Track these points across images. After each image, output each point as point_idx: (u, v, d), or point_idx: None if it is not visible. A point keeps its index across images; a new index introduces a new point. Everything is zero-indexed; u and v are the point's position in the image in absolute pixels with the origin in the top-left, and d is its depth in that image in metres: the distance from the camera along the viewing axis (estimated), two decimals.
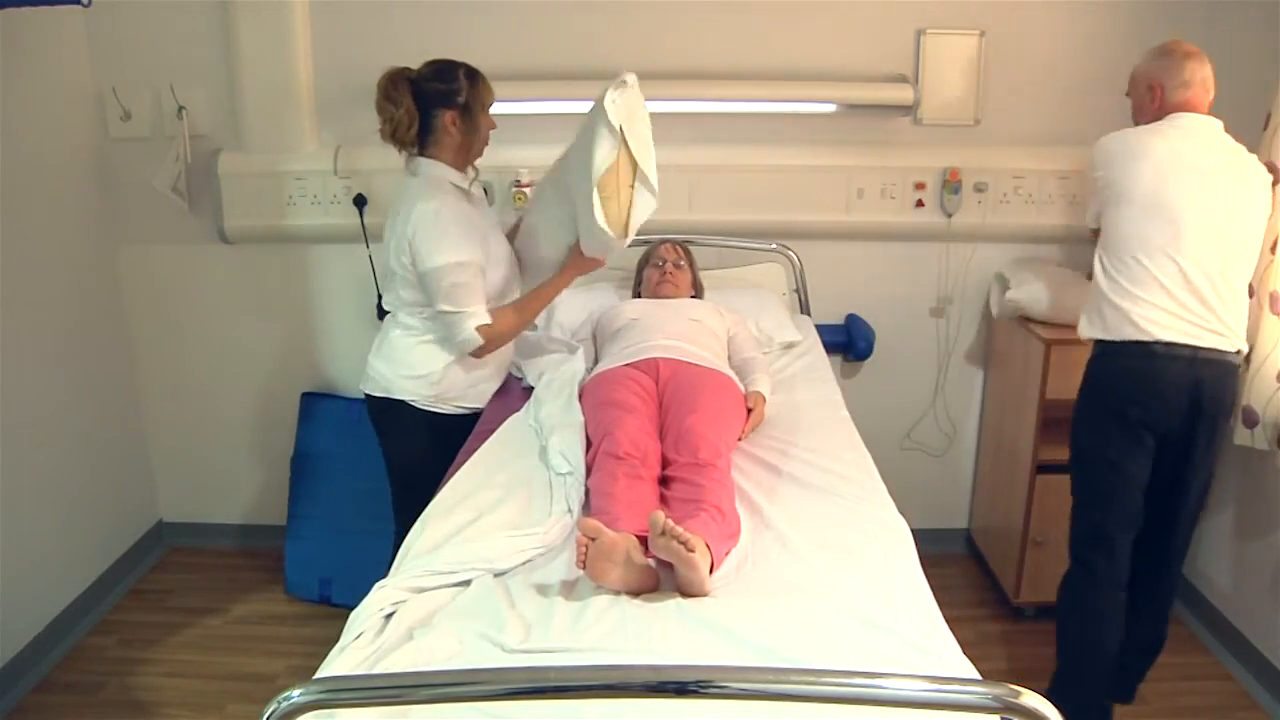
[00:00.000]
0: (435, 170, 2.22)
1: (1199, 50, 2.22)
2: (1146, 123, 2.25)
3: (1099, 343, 2.24)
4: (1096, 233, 2.30)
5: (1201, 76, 2.21)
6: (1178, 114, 2.20)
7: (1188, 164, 2.15)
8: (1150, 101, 2.25)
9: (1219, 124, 2.20)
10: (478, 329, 2.18)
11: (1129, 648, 2.39)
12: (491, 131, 2.28)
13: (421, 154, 2.24)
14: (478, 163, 2.32)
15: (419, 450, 2.33)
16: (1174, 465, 2.24)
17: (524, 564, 1.65)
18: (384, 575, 1.60)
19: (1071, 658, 2.31)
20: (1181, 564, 2.38)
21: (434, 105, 2.18)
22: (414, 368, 2.29)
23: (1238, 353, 2.20)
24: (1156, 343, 2.13)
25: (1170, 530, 2.30)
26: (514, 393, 2.39)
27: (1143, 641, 2.39)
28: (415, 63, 2.83)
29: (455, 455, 2.13)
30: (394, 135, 2.19)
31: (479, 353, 2.23)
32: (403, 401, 2.31)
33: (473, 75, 2.22)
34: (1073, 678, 2.29)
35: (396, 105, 2.16)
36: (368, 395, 2.37)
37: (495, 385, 2.42)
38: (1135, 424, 2.19)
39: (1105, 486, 2.25)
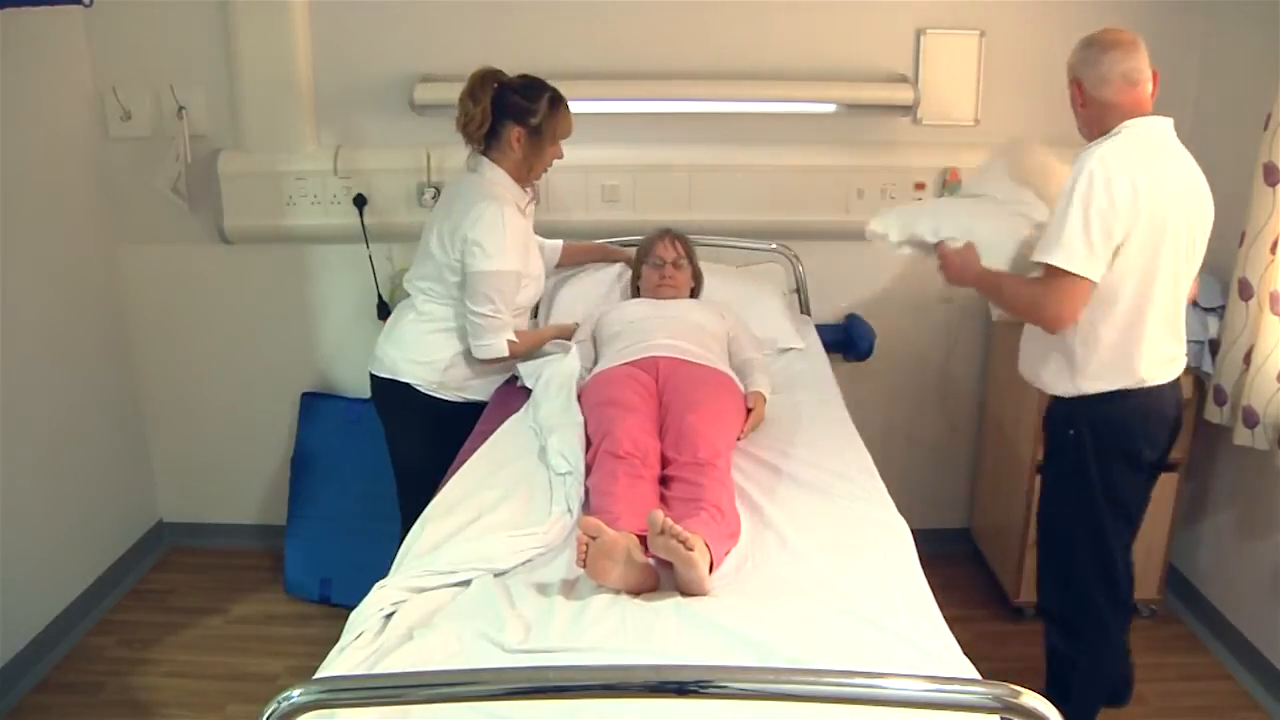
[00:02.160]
0: (496, 175, 2.30)
1: (1132, 37, 1.98)
2: (1089, 125, 2.02)
3: (1085, 397, 2.05)
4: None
5: (1122, 70, 1.95)
6: (1135, 120, 1.95)
7: (1178, 179, 1.97)
8: (1075, 97, 2.03)
9: (1169, 123, 1.99)
10: (510, 341, 2.30)
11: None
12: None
13: (486, 154, 2.32)
14: None
15: (419, 436, 2.40)
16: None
17: (524, 564, 1.64)
18: (385, 574, 1.60)
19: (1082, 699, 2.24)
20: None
21: (507, 116, 2.26)
22: (422, 353, 2.36)
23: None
24: (1156, 385, 2.04)
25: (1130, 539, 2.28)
26: (514, 392, 2.39)
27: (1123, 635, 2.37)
28: (414, 63, 2.86)
29: (456, 445, 2.15)
30: (464, 129, 2.28)
31: (493, 362, 2.33)
32: (407, 385, 2.37)
33: (556, 103, 2.29)
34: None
35: (475, 103, 2.23)
36: (373, 376, 2.43)
37: (500, 379, 2.47)
38: (1144, 464, 2.11)
39: (1115, 541, 2.14)
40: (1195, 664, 2.73)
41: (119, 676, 2.66)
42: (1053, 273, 1.91)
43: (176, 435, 3.26)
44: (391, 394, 2.41)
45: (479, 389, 2.43)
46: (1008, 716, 1.05)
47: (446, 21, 2.84)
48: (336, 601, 2.97)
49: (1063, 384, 2.08)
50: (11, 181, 2.56)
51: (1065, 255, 1.88)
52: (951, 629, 1.46)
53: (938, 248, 2.21)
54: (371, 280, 3.00)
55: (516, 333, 2.35)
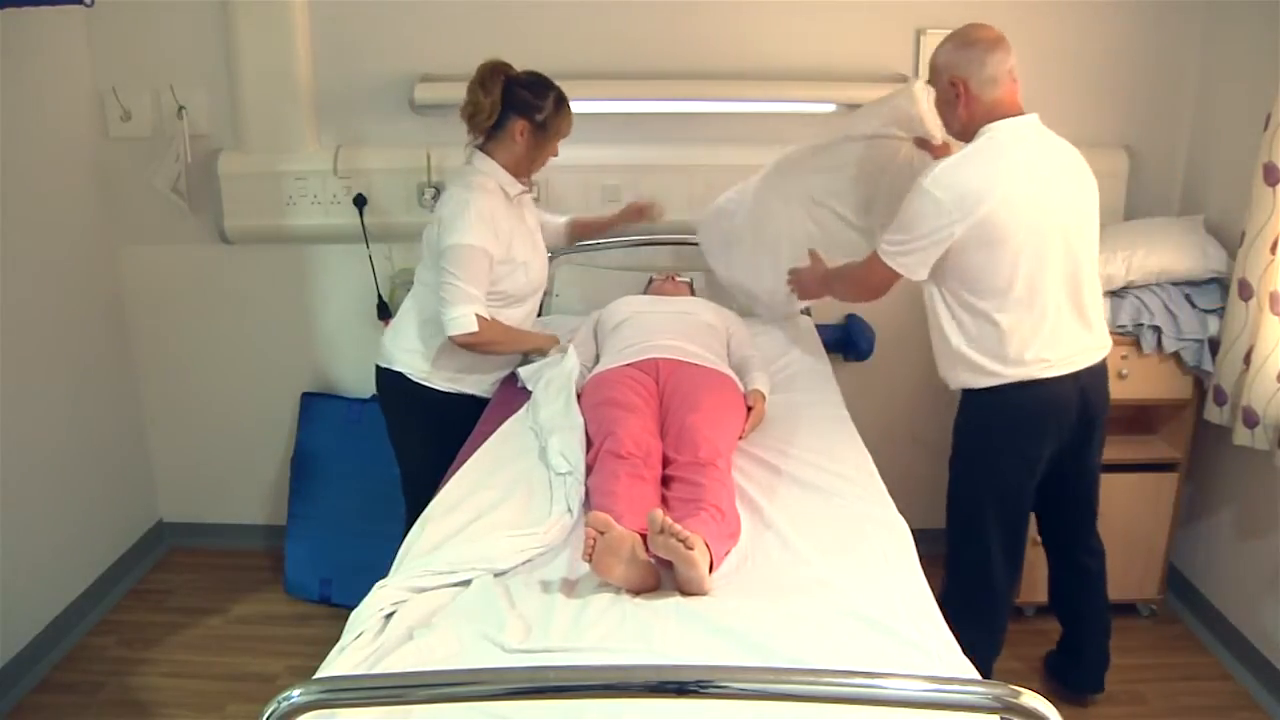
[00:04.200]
0: (486, 166, 2.32)
1: (1001, 36, 2.07)
2: (957, 127, 2.10)
3: (973, 391, 2.17)
4: (886, 288, 2.19)
5: (1008, 68, 2.04)
6: (998, 123, 2.02)
7: (1037, 177, 2.02)
8: (955, 98, 2.06)
9: (1036, 117, 2.06)
10: (478, 315, 2.24)
11: (1084, 635, 2.45)
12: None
13: (483, 147, 2.33)
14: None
15: (416, 426, 2.45)
16: (1066, 479, 2.28)
17: (524, 564, 1.64)
18: (385, 574, 1.60)
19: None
20: (1095, 528, 2.40)
21: (514, 109, 2.28)
22: (412, 341, 2.40)
23: (1105, 357, 2.19)
24: (1046, 379, 2.09)
25: (1084, 530, 2.36)
26: (516, 392, 2.38)
27: (1098, 624, 2.44)
28: (414, 62, 2.85)
29: (454, 438, 2.18)
30: (471, 118, 2.29)
31: (462, 339, 2.26)
32: (400, 374, 2.40)
33: (561, 102, 2.32)
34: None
35: (486, 94, 2.26)
36: (376, 367, 2.47)
37: (493, 376, 2.47)
38: (1032, 461, 2.18)
39: (995, 540, 2.24)
40: (1195, 664, 2.73)
41: (119, 676, 2.66)
42: (874, 255, 2.14)
43: (176, 435, 3.26)
44: (388, 383, 2.44)
45: (474, 382, 2.44)
46: (1008, 716, 1.05)
47: (446, 21, 2.84)
48: (336, 601, 2.97)
49: (955, 376, 2.22)
50: (11, 181, 2.56)
51: (885, 248, 2.10)
52: (951, 629, 1.46)
53: (787, 280, 2.47)
54: (371, 280, 3.00)
55: (495, 322, 2.30)
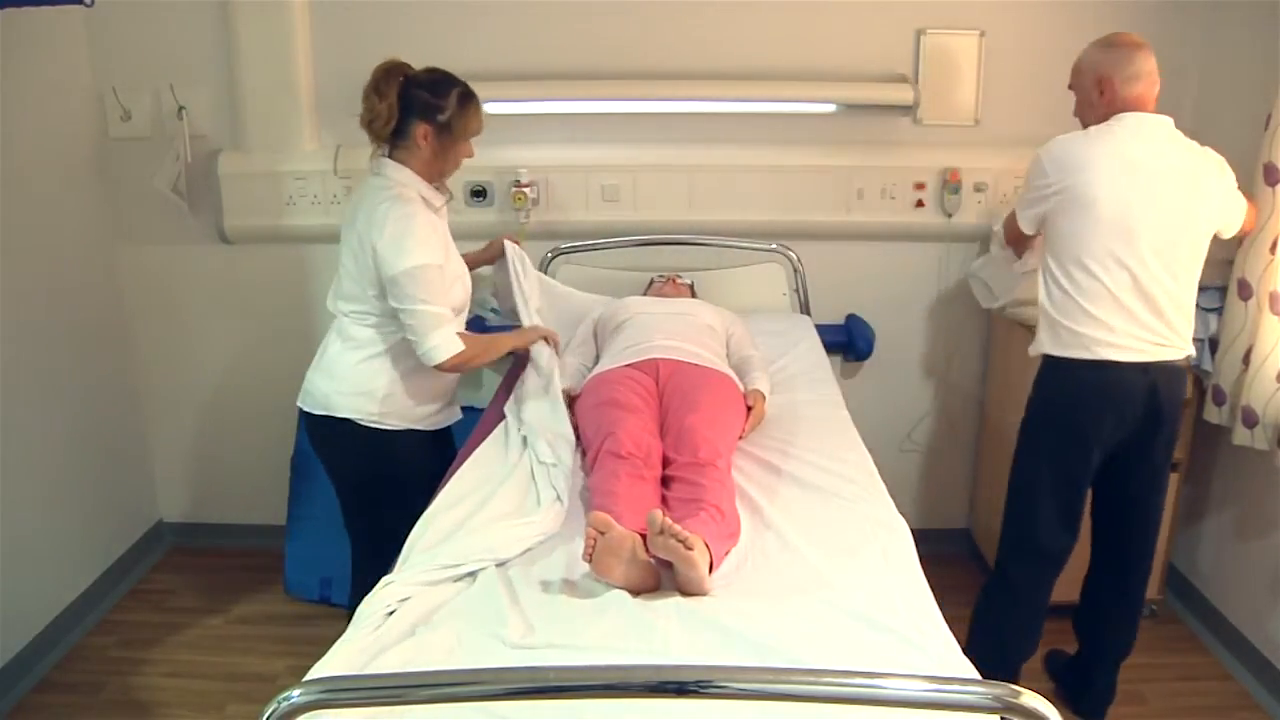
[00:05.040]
0: (401, 175, 2.13)
1: (1145, 41, 2.16)
2: (1095, 121, 2.18)
3: (1049, 357, 2.22)
4: (1021, 240, 2.34)
5: (1150, 69, 2.13)
6: (1126, 114, 2.13)
7: (1140, 168, 2.09)
8: (1099, 97, 2.16)
9: (1170, 121, 2.14)
10: (459, 334, 2.11)
11: (1100, 661, 2.41)
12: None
13: (391, 155, 2.15)
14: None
15: (367, 468, 2.24)
16: (1129, 473, 2.25)
17: (527, 562, 1.64)
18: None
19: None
20: (1149, 569, 2.37)
21: (414, 113, 2.09)
22: (355, 383, 2.17)
23: (1186, 358, 2.19)
24: (1110, 362, 2.13)
25: (1137, 538, 2.31)
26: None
27: (1115, 653, 2.40)
28: (414, 63, 2.84)
29: (408, 471, 2.14)
30: (370, 126, 2.11)
31: (450, 363, 2.09)
32: (346, 420, 2.18)
33: (465, 99, 2.13)
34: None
35: (380, 99, 2.07)
36: (304, 412, 2.24)
37: (445, 417, 2.32)
38: (1088, 439, 2.19)
39: (1047, 502, 2.25)
40: (1195, 664, 2.73)
41: (119, 676, 2.66)
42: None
43: (176, 435, 3.26)
44: (328, 430, 2.20)
45: (427, 418, 2.26)
46: (1008, 716, 1.05)
47: (446, 22, 2.84)
48: (336, 601, 2.97)
49: (1038, 339, 2.25)
50: (12, 181, 2.56)
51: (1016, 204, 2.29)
52: (951, 629, 1.46)
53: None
54: None
55: (473, 336, 2.18)
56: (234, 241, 3.02)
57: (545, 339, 2.37)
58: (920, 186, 2.93)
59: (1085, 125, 2.21)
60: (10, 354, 2.58)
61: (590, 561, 1.52)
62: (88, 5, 2.48)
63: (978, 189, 2.91)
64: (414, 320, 2.06)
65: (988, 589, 2.41)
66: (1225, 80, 2.79)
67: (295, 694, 1.06)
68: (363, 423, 2.18)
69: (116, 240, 3.05)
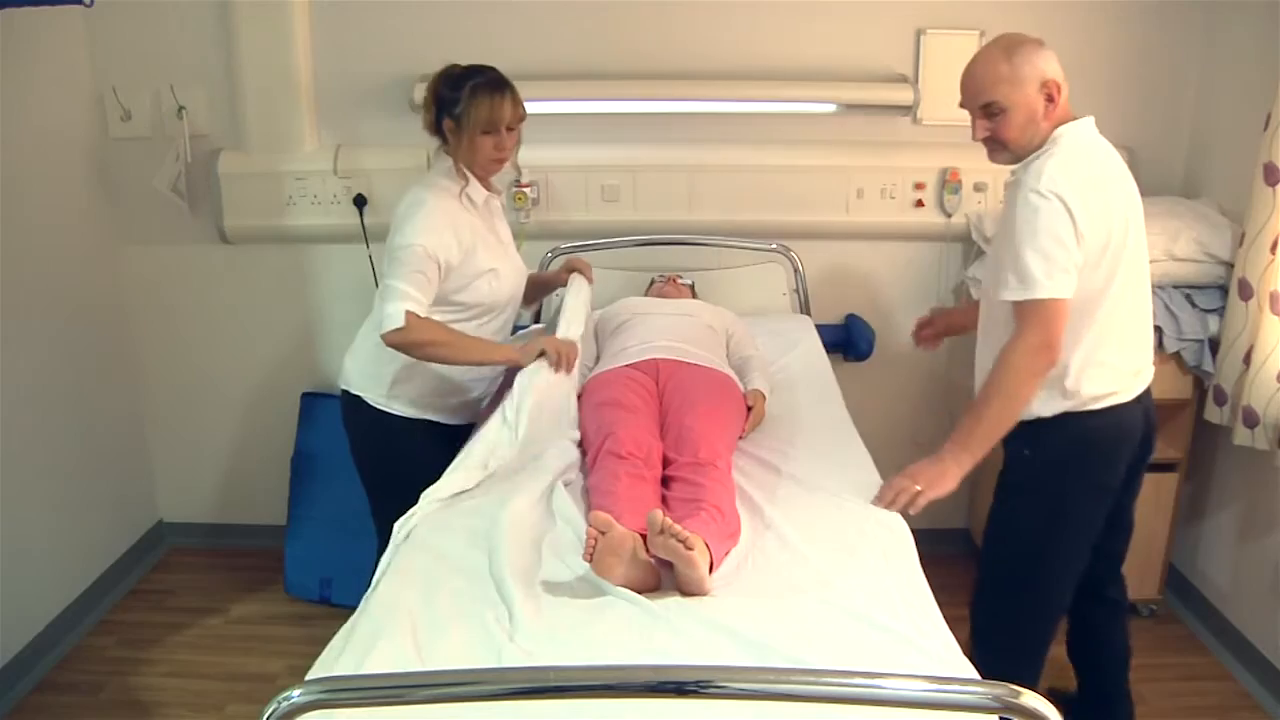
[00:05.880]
0: (441, 166, 2.19)
1: None
2: (1038, 137, 1.86)
3: (1066, 414, 1.93)
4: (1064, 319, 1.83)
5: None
6: (1080, 121, 1.87)
7: (1109, 183, 1.88)
8: (1048, 105, 1.85)
9: (1093, 121, 1.92)
10: (406, 311, 2.02)
11: (1116, 676, 2.28)
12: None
13: (444, 150, 2.21)
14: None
15: (373, 450, 2.30)
16: (1126, 493, 2.10)
17: (527, 560, 1.64)
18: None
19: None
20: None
21: (441, 109, 2.16)
22: (371, 364, 2.23)
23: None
24: (1121, 403, 1.94)
25: (1124, 545, 2.22)
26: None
27: (1127, 658, 2.29)
28: (414, 63, 2.85)
29: (415, 461, 2.08)
30: (426, 124, 2.21)
31: (393, 338, 2.04)
32: (359, 398, 2.26)
33: (476, 90, 2.11)
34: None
35: (429, 94, 2.17)
36: (341, 389, 2.33)
37: (465, 413, 2.31)
38: (1111, 488, 2.01)
39: (1069, 567, 2.04)
40: (1195, 664, 2.73)
41: (119, 676, 2.66)
42: (1028, 308, 1.81)
43: (176, 435, 3.26)
44: (346, 405, 2.29)
45: (441, 410, 2.27)
46: (1007, 716, 1.05)
47: (447, 21, 2.84)
48: (336, 601, 2.97)
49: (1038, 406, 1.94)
50: (11, 181, 2.56)
51: (1030, 281, 1.80)
52: (951, 629, 1.46)
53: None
54: (371, 280, 2.99)
55: (432, 323, 2.08)
56: (234, 241, 3.02)
57: (549, 354, 2.15)
58: (920, 186, 2.93)
59: (1020, 145, 1.88)
60: (10, 354, 2.57)
61: (590, 561, 1.52)
62: (87, 5, 2.48)
63: (978, 189, 2.92)
64: (381, 292, 2.09)
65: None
66: (1225, 80, 2.79)
67: (295, 694, 1.06)
68: (371, 403, 2.24)
69: (116, 240, 3.05)
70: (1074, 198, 1.78)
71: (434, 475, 1.95)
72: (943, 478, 1.87)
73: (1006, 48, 1.89)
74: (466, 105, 2.11)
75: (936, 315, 2.46)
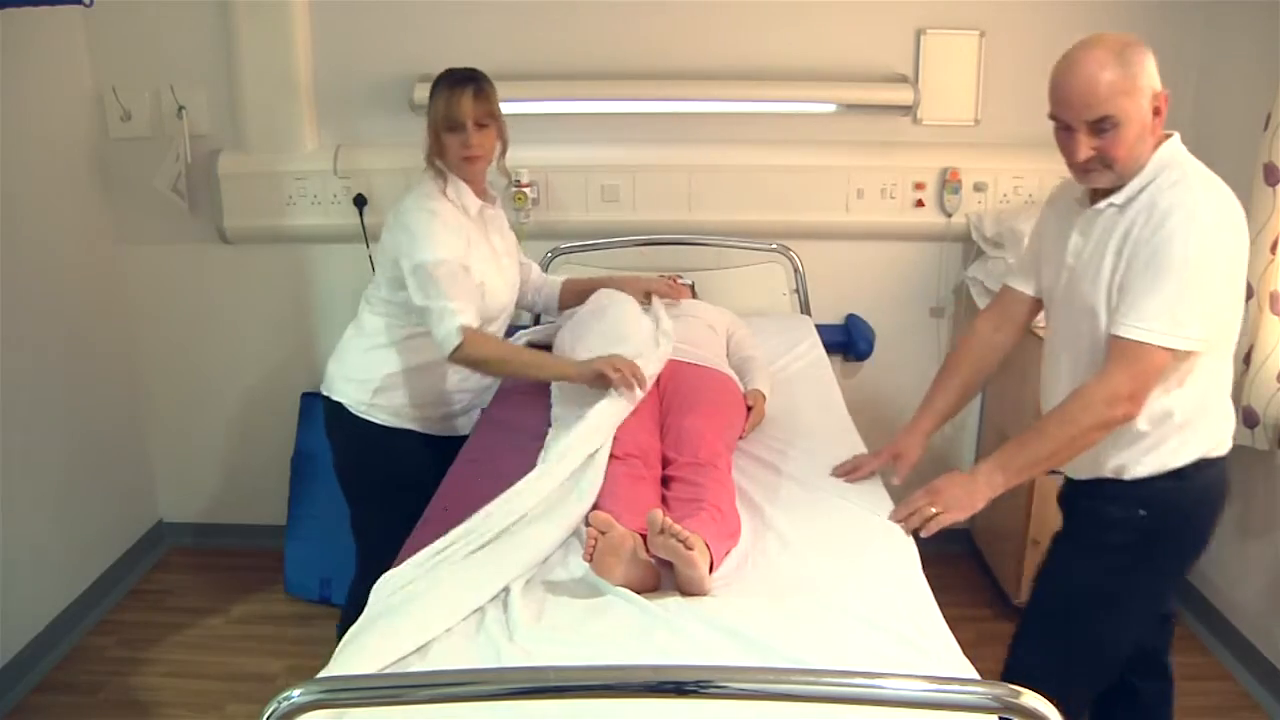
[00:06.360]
0: (436, 170, 2.17)
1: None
2: (1144, 155, 1.64)
3: (1180, 469, 1.70)
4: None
5: None
6: (1174, 140, 1.68)
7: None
8: (1154, 119, 1.63)
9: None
10: (461, 327, 2.01)
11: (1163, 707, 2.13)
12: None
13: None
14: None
15: (354, 458, 2.27)
16: None
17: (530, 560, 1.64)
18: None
19: None
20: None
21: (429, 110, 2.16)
22: (356, 370, 2.22)
23: None
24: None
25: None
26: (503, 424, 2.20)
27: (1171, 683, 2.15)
28: (414, 63, 2.85)
29: (398, 476, 2.07)
30: None
31: (456, 356, 2.03)
32: (340, 404, 2.23)
33: (438, 85, 2.11)
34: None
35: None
36: (321, 395, 2.31)
37: (449, 425, 2.27)
38: (1208, 541, 1.81)
39: (1143, 627, 1.88)
40: (1195, 664, 2.73)
41: (119, 676, 2.66)
42: (1137, 351, 1.59)
43: (176, 435, 3.26)
44: (328, 412, 2.26)
45: (425, 421, 2.24)
46: (1007, 716, 1.05)
47: (446, 21, 2.84)
48: (336, 602, 2.96)
49: (1137, 463, 1.72)
50: (12, 182, 2.56)
51: (1170, 322, 1.58)
52: (951, 629, 1.46)
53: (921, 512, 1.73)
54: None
55: (488, 337, 2.10)
56: (234, 241, 3.02)
57: (614, 375, 1.97)
58: (920, 186, 2.93)
59: (1128, 165, 1.64)
60: (10, 354, 2.57)
61: (590, 561, 1.52)
62: (87, 5, 2.48)
63: (978, 189, 2.91)
64: (426, 317, 2.05)
65: None
66: (1225, 80, 2.79)
67: (295, 694, 1.06)
68: (352, 410, 2.20)
69: (116, 240, 3.05)
70: (1240, 236, 1.62)
71: (414, 486, 1.91)
72: (970, 499, 1.71)
73: (1117, 50, 1.62)
74: (432, 103, 2.12)
75: (903, 445, 1.96)
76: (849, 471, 1.91)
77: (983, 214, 2.90)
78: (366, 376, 2.20)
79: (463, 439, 2.19)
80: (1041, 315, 1.96)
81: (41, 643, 2.69)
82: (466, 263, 2.08)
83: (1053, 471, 1.82)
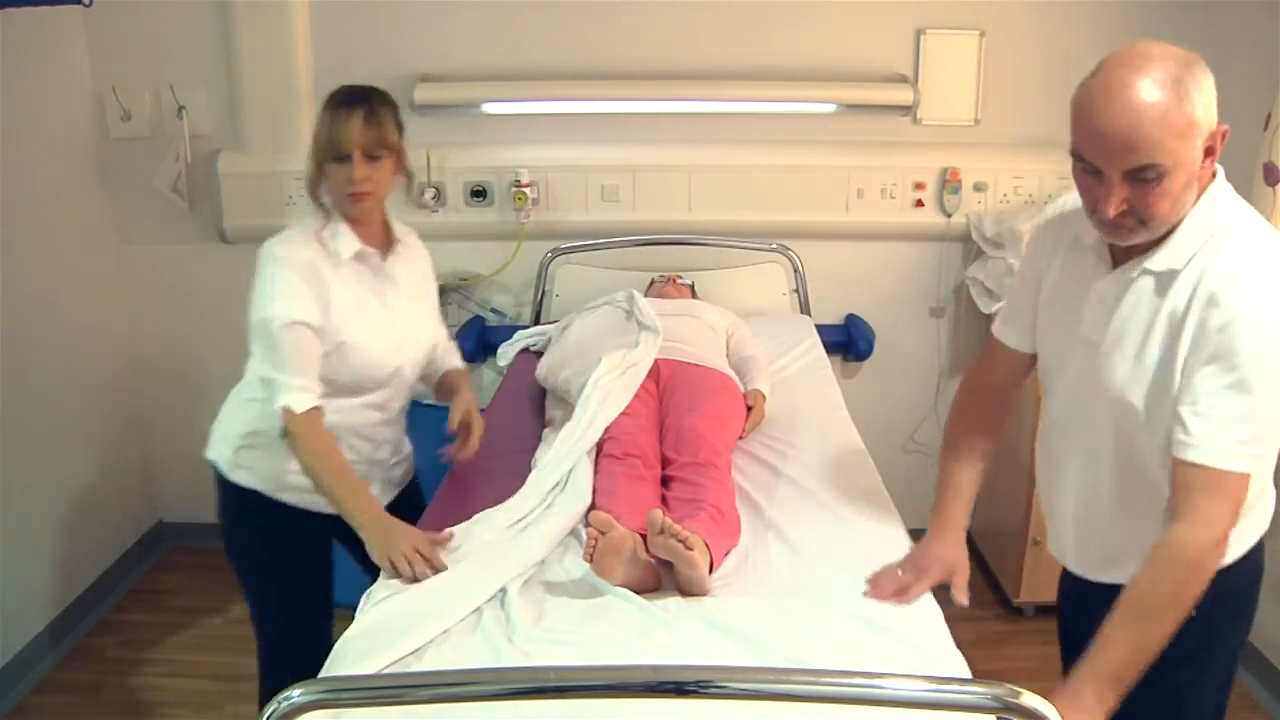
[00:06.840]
0: (318, 205, 1.80)
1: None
2: (1191, 198, 1.29)
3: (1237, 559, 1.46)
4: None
5: None
6: (1219, 183, 1.34)
7: None
8: (1206, 160, 1.28)
9: None
10: (285, 408, 1.68)
11: None
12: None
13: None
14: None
15: (226, 528, 1.97)
16: None
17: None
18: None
19: None
20: None
21: None
22: (225, 422, 1.91)
23: None
24: None
25: None
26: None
27: None
28: (414, 63, 2.85)
29: (277, 555, 1.84)
30: None
31: (286, 439, 1.72)
32: (213, 463, 1.91)
33: (325, 105, 1.76)
34: None
35: None
36: (214, 472, 1.97)
37: (308, 493, 1.81)
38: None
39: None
40: None
41: (119, 676, 2.66)
42: (1228, 481, 1.28)
43: (176, 435, 3.25)
44: (229, 497, 1.94)
45: (298, 492, 1.83)
46: (1007, 716, 1.05)
47: (446, 21, 2.84)
48: (336, 602, 2.96)
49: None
50: (12, 181, 2.56)
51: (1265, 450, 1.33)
52: (951, 629, 1.46)
53: None
54: None
55: (320, 435, 1.72)
56: (234, 241, 3.02)
57: (403, 567, 1.58)
58: (920, 186, 2.93)
59: (1167, 221, 1.29)
60: (10, 354, 2.57)
61: (590, 561, 1.52)
62: (87, 5, 2.48)
63: (977, 189, 2.92)
64: (268, 383, 1.73)
65: None
66: (1225, 80, 2.78)
67: (295, 694, 1.06)
68: (222, 470, 1.89)
69: (117, 240, 3.05)
70: None
71: (304, 572, 1.76)
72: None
73: (1174, 78, 1.23)
74: (315, 128, 1.77)
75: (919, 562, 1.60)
76: (897, 592, 1.53)
77: (983, 214, 2.90)
78: (231, 429, 1.87)
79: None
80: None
81: (41, 643, 2.69)
82: (320, 323, 1.72)
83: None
